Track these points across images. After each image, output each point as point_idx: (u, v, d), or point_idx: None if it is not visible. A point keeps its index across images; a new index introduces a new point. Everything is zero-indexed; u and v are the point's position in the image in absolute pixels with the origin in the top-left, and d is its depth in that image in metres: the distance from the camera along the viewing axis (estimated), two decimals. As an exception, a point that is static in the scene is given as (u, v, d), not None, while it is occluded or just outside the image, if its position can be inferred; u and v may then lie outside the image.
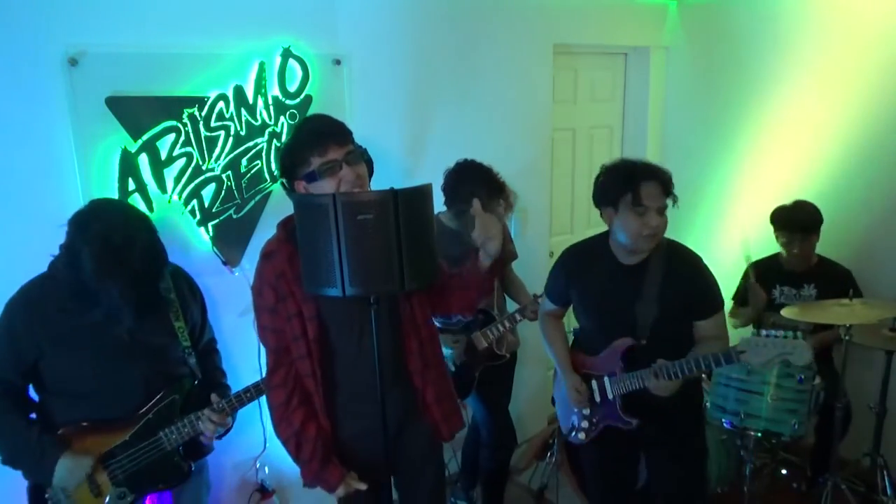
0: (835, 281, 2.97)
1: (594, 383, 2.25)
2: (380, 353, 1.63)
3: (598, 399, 2.24)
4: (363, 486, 1.81)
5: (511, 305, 2.90)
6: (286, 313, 1.73)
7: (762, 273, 3.11)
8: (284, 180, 1.74)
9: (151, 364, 1.95)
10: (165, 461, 1.96)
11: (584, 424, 2.28)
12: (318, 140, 1.65)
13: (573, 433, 2.32)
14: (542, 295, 2.51)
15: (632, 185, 2.01)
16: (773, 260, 3.18)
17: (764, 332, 1.97)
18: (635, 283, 2.11)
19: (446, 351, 2.55)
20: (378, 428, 1.68)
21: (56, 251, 1.85)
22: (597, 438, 2.27)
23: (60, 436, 1.87)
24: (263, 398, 2.03)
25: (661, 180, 2.04)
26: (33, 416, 1.93)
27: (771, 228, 3.09)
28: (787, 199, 3.08)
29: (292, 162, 1.69)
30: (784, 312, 2.68)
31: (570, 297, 2.32)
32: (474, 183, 2.54)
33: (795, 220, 3.02)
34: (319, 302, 1.73)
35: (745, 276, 3.15)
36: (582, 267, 2.24)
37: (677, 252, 2.15)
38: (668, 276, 2.08)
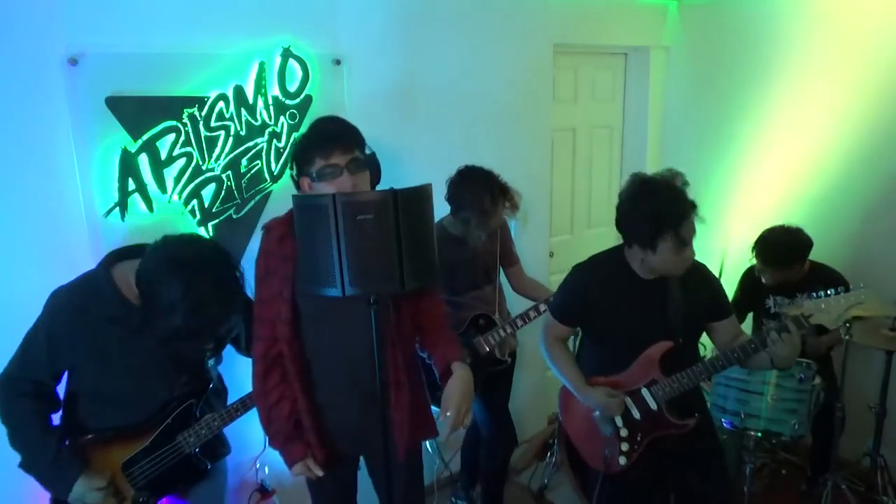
0: (827, 287, 2.91)
1: (628, 399, 2.13)
2: (357, 353, 1.73)
3: (637, 415, 2.13)
4: (320, 473, 1.85)
5: (513, 309, 2.89)
6: (270, 289, 1.79)
7: (755, 282, 3.05)
8: (294, 173, 1.80)
9: (187, 376, 1.96)
10: (184, 463, 1.97)
11: (624, 447, 2.14)
12: (324, 143, 1.71)
13: (610, 460, 2.16)
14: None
15: (674, 226, 1.91)
16: None
17: (816, 295, 1.97)
18: (660, 290, 2.08)
19: None
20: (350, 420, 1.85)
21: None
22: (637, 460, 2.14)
23: (82, 447, 1.85)
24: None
25: (696, 211, 1.95)
26: (57, 416, 1.90)
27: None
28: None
29: (300, 159, 1.75)
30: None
31: (583, 317, 2.22)
32: (476, 189, 2.53)
33: (769, 255, 2.90)
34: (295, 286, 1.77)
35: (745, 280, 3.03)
36: (603, 284, 2.14)
37: None
38: (686, 280, 2.08)
